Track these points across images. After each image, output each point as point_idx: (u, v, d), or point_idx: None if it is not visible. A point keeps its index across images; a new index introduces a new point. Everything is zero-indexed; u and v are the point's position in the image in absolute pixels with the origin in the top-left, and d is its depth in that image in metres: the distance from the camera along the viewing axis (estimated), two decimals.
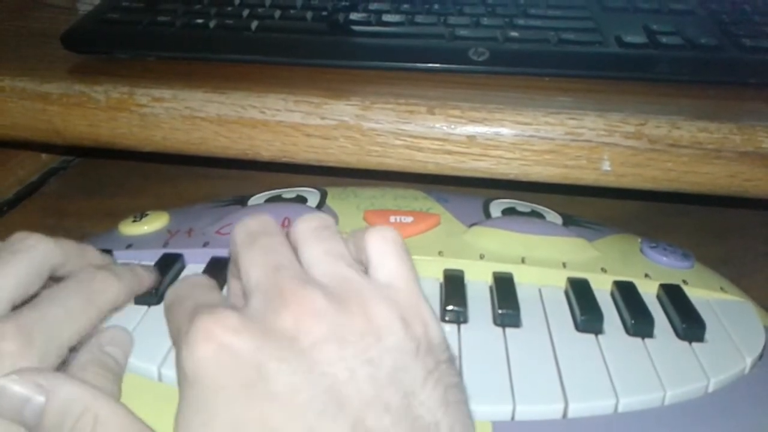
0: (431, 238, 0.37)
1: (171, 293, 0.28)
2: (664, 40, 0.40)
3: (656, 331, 0.31)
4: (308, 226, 0.27)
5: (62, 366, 0.26)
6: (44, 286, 0.28)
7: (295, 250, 0.26)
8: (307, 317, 0.23)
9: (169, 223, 0.39)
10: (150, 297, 0.32)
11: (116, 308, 0.29)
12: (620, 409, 0.28)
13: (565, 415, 0.27)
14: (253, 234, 0.27)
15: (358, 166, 0.37)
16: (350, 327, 0.23)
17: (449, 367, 0.24)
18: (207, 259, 0.35)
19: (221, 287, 0.33)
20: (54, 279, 0.29)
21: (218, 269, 0.34)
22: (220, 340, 0.22)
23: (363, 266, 0.26)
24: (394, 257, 0.26)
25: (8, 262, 0.27)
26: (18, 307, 0.26)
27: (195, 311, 0.24)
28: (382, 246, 0.26)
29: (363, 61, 0.40)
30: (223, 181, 0.54)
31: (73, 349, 0.26)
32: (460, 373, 0.24)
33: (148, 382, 0.28)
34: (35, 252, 0.28)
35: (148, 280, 0.32)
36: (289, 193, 0.42)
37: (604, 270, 0.35)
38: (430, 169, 0.36)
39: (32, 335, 0.24)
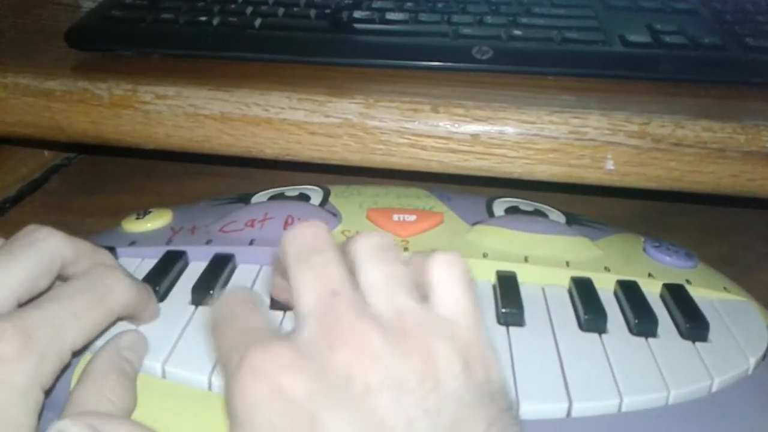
0: (434, 237, 0.37)
1: (217, 309, 0.26)
2: (667, 39, 0.39)
3: (660, 330, 0.31)
4: (368, 245, 0.25)
5: (65, 369, 0.25)
6: (53, 285, 0.27)
7: (352, 268, 0.25)
8: (364, 358, 0.21)
9: (173, 221, 0.39)
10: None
11: (126, 313, 0.27)
12: (624, 408, 0.28)
13: (569, 414, 0.27)
14: (306, 249, 0.25)
15: (362, 165, 0.37)
16: (408, 371, 0.21)
17: (511, 417, 0.22)
18: (210, 257, 0.35)
19: (224, 286, 0.33)
20: (63, 278, 0.28)
21: (220, 266, 0.34)
22: (272, 379, 0.21)
23: (422, 290, 0.25)
24: (458, 289, 0.24)
25: (15, 256, 0.26)
26: (24, 304, 0.25)
27: (245, 341, 0.23)
28: (447, 274, 0.24)
29: (366, 59, 0.39)
30: (227, 179, 0.54)
31: (77, 353, 0.25)
32: (520, 420, 0.23)
33: (152, 380, 0.28)
34: (44, 245, 0.26)
35: (154, 303, 0.31)
36: (292, 190, 0.42)
37: (607, 269, 0.35)
38: (433, 167, 0.36)
39: (32, 337, 0.23)
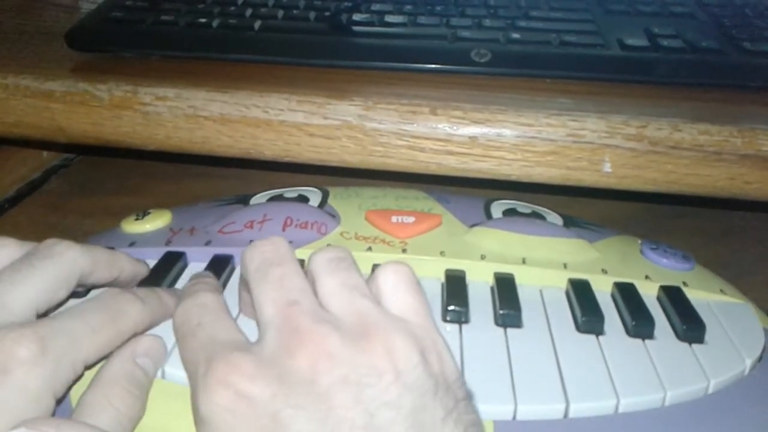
0: (433, 239, 0.37)
1: (181, 313, 0.27)
2: (665, 43, 0.40)
3: (656, 332, 0.32)
4: (324, 258, 0.27)
5: (77, 381, 0.25)
6: (72, 295, 0.28)
7: (312, 281, 0.26)
8: (323, 358, 0.22)
9: (172, 222, 0.39)
10: None
11: (137, 332, 0.28)
12: (621, 409, 0.28)
13: (566, 415, 0.27)
14: (266, 262, 0.26)
15: (361, 166, 0.37)
16: (368, 366, 0.22)
17: (467, 405, 0.23)
18: (209, 258, 0.35)
19: (223, 286, 0.33)
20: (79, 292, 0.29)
21: (220, 268, 0.34)
22: (237, 387, 0.22)
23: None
24: (406, 290, 0.26)
25: (35, 268, 0.27)
26: (42, 315, 0.26)
27: (211, 351, 0.24)
28: (393, 280, 0.26)
29: (366, 62, 0.40)
30: (226, 180, 0.54)
31: (89, 367, 0.26)
32: (476, 410, 0.24)
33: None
34: (62, 259, 0.27)
35: (172, 306, 0.30)
36: (291, 192, 0.42)
37: (604, 271, 0.35)
38: (432, 169, 0.36)
39: (49, 345, 0.24)
